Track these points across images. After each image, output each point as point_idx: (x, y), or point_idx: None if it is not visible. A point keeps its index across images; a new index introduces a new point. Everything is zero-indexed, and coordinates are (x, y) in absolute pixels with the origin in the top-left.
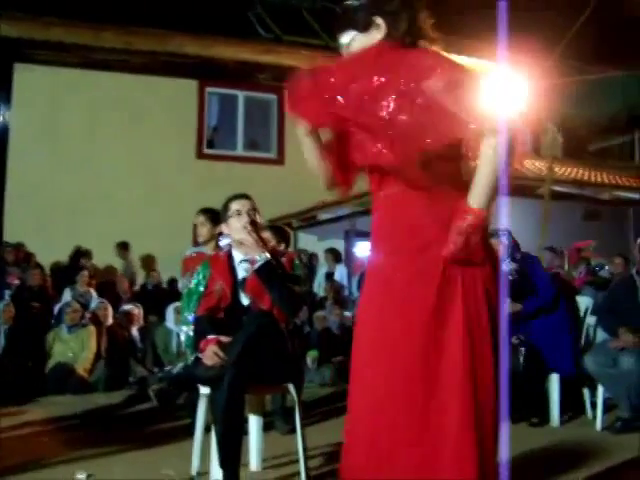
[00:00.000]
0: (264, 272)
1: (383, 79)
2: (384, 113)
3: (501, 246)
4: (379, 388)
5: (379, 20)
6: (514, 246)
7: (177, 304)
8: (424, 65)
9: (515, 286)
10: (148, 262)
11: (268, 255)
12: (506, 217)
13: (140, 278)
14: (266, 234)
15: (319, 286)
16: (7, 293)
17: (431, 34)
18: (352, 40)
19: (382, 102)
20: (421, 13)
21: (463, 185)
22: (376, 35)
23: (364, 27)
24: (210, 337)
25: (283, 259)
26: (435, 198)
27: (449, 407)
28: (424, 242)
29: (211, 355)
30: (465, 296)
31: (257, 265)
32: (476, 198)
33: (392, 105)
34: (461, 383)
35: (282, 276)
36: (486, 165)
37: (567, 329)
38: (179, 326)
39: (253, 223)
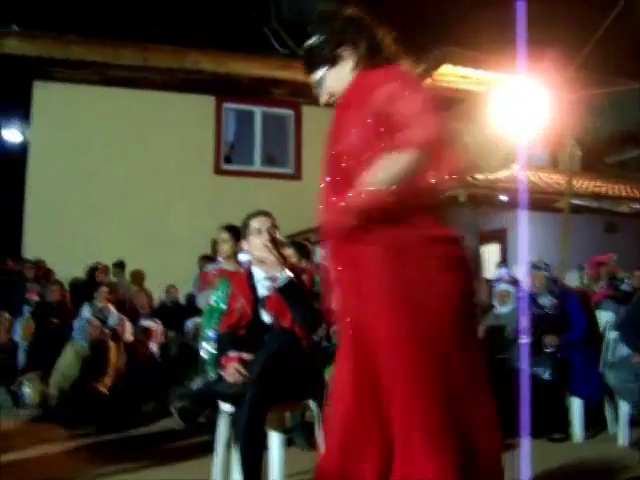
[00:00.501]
0: (286, 290)
1: (348, 113)
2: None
3: (540, 279)
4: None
5: (344, 51)
6: (553, 281)
7: (195, 319)
8: (374, 86)
9: (554, 319)
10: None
11: (290, 274)
12: (526, 231)
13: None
14: (289, 251)
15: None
16: (27, 309)
17: (392, 49)
18: (323, 76)
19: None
20: (378, 31)
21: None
22: (345, 66)
23: (332, 61)
24: (232, 355)
25: (304, 276)
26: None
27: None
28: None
29: (233, 372)
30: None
31: (279, 283)
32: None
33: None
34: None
35: (303, 294)
36: (390, 164)
37: (596, 361)
38: (200, 343)
39: (273, 241)
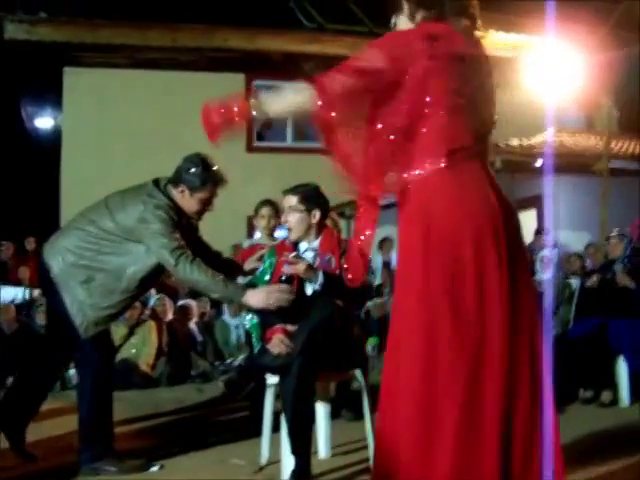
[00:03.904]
0: (325, 289)
1: None
2: None
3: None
4: None
5: (402, 2)
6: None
7: None
8: None
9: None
10: None
11: (321, 277)
12: (563, 196)
13: None
14: (334, 216)
15: (374, 274)
16: None
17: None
18: (394, 23)
19: None
20: None
21: None
22: (402, 17)
23: (395, 10)
24: (276, 326)
25: None
26: None
27: None
28: None
29: (278, 343)
30: None
31: (317, 287)
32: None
33: None
34: None
35: (342, 282)
36: (296, 93)
37: None
38: (243, 315)
39: (289, 226)
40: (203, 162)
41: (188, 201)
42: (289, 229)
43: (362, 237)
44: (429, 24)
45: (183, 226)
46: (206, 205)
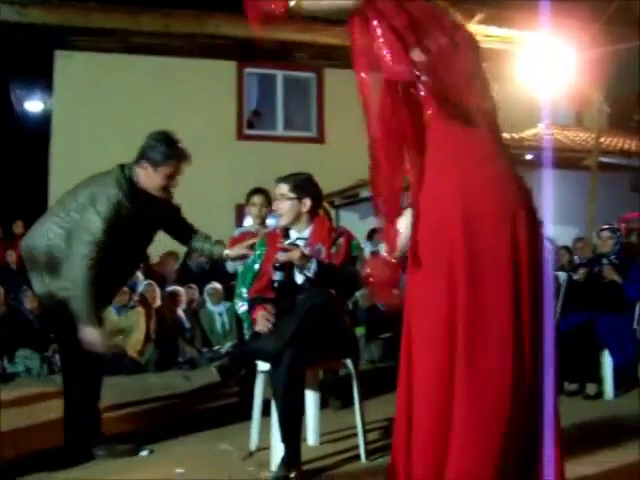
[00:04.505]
0: (318, 277)
1: None
2: None
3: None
4: None
5: None
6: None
7: (214, 285)
8: None
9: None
10: None
11: (315, 266)
12: (552, 190)
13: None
14: (325, 205)
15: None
16: None
17: None
18: None
19: None
20: None
21: None
22: None
23: None
24: (257, 307)
25: (341, 239)
26: None
27: None
28: None
29: (262, 321)
30: None
31: (310, 274)
32: None
33: None
34: None
35: (334, 269)
36: None
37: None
38: (236, 301)
39: (279, 213)
40: (166, 137)
41: (152, 177)
42: (279, 216)
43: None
44: None
45: (148, 206)
46: (170, 180)
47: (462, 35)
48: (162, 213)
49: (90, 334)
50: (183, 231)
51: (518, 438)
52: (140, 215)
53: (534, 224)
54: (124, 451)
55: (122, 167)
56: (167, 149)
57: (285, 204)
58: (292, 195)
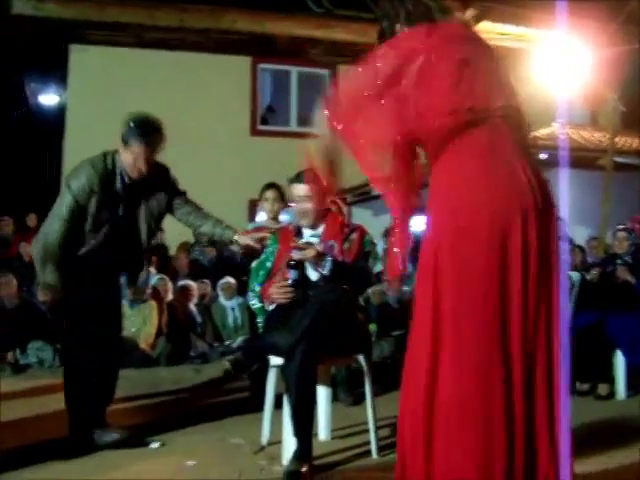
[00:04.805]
0: (333, 275)
1: None
2: None
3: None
4: None
5: (398, 27)
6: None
7: (227, 279)
8: None
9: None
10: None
11: (329, 263)
12: (566, 189)
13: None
14: (334, 207)
15: (376, 259)
16: None
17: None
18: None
19: None
20: None
21: None
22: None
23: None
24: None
25: (354, 235)
26: None
27: None
28: None
29: (277, 291)
30: None
31: (326, 272)
32: None
33: None
34: None
35: (347, 267)
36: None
37: None
38: (249, 297)
39: (303, 213)
40: (137, 117)
41: (123, 156)
42: (303, 215)
43: (396, 250)
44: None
45: (137, 188)
46: (140, 160)
47: (437, 44)
48: (155, 196)
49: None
50: (188, 214)
51: (508, 437)
52: (127, 197)
53: (547, 225)
54: (125, 438)
55: (106, 152)
56: (135, 128)
57: (308, 205)
58: (316, 197)
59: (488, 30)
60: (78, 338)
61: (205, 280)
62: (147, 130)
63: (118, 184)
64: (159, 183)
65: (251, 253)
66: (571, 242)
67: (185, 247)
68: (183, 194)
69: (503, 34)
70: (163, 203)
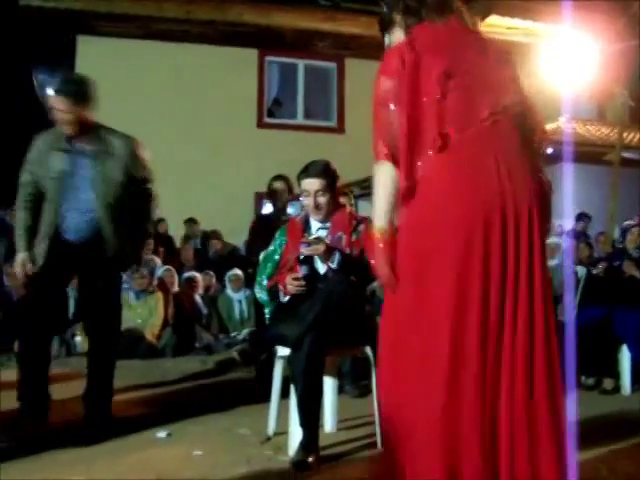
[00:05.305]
0: (342, 268)
1: None
2: None
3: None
4: None
5: (396, 16)
6: None
7: (235, 271)
8: None
9: None
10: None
11: (338, 257)
12: (572, 184)
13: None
14: (342, 199)
15: None
16: None
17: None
18: (387, 44)
19: None
20: None
21: None
22: (396, 31)
23: (387, 28)
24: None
25: (362, 226)
26: None
27: None
28: None
29: (292, 281)
30: None
31: (334, 266)
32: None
33: None
34: None
35: (355, 260)
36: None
37: None
38: (256, 288)
39: (318, 207)
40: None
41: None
42: (320, 210)
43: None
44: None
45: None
46: (55, 112)
47: (415, 60)
48: (105, 162)
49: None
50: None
51: (466, 425)
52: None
53: (521, 228)
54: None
55: None
56: (50, 80)
57: (323, 199)
58: (328, 189)
59: (495, 24)
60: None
61: (209, 272)
62: (60, 82)
63: (63, 141)
64: (108, 150)
65: None
66: (580, 236)
67: (190, 239)
68: (142, 181)
69: (511, 28)
70: (114, 173)
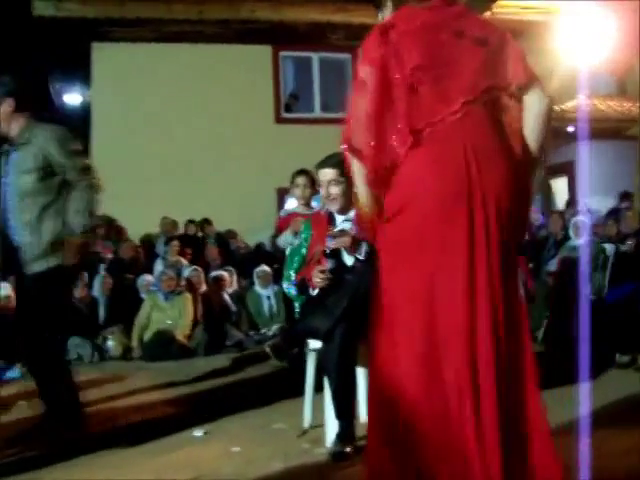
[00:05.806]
0: (368, 260)
1: None
2: None
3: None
4: None
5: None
6: None
7: (263, 268)
8: None
9: None
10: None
11: (365, 248)
12: (596, 161)
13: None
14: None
15: None
16: (101, 266)
17: None
18: (381, 19)
19: None
20: None
21: None
22: (387, 10)
23: (379, 6)
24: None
25: None
26: None
27: None
28: None
29: (318, 274)
30: None
31: (361, 257)
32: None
33: None
34: None
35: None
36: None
37: None
38: (284, 283)
39: (330, 196)
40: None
41: None
42: (333, 200)
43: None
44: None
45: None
46: None
47: (390, 51)
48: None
49: None
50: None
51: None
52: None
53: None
54: None
55: None
56: None
57: (337, 189)
58: (342, 179)
59: (509, 4)
60: None
61: (229, 268)
62: None
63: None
64: (27, 141)
65: None
66: (589, 210)
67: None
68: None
69: (526, 8)
70: (27, 161)
